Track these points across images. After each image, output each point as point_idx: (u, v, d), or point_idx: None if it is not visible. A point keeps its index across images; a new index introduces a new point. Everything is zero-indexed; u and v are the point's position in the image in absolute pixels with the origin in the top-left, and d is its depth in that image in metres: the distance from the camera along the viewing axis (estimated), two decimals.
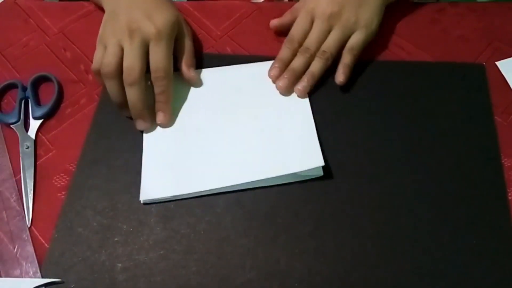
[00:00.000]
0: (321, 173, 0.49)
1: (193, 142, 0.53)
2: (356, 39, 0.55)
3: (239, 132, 0.53)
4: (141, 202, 0.49)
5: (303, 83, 0.54)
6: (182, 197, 0.50)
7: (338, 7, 0.55)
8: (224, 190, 0.50)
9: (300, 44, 0.56)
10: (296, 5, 0.60)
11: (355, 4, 0.55)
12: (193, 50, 0.58)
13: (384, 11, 0.58)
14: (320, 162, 0.49)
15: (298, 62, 0.55)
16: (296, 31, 0.56)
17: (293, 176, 0.49)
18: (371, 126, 0.53)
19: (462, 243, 0.45)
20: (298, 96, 0.55)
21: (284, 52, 0.56)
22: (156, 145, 0.53)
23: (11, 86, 0.60)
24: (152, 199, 0.49)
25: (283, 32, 0.59)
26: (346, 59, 0.55)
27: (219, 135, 0.53)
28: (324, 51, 0.54)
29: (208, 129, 0.54)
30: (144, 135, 0.54)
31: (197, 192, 0.50)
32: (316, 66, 0.54)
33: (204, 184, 0.50)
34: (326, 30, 0.55)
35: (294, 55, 0.56)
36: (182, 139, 0.53)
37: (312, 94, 0.55)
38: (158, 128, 0.54)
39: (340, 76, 0.54)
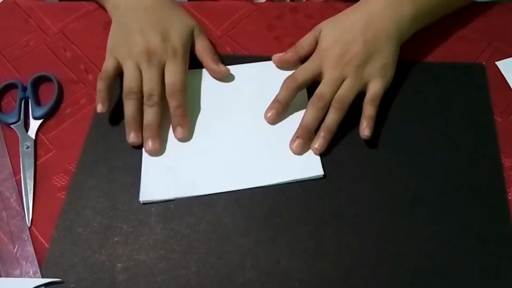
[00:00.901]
0: (321, 175, 0.50)
1: (193, 144, 0.53)
2: (374, 90, 0.52)
3: (239, 136, 0.53)
4: (141, 202, 0.49)
5: (320, 141, 0.50)
6: (181, 198, 0.50)
7: (348, 55, 0.52)
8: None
9: (301, 88, 0.53)
10: (299, 44, 0.57)
11: (367, 54, 0.52)
12: (212, 47, 0.58)
13: (398, 55, 0.55)
14: (319, 171, 0.49)
15: (312, 116, 0.51)
16: (303, 73, 0.53)
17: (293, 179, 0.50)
18: None
19: (462, 243, 0.45)
20: (315, 154, 0.51)
21: (285, 93, 0.52)
22: None
23: (11, 86, 0.60)
24: (152, 200, 0.49)
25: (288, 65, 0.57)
26: (369, 111, 0.51)
27: (219, 138, 0.53)
28: (341, 100, 0.51)
29: (207, 132, 0.54)
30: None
31: (196, 195, 0.50)
32: (333, 118, 0.51)
33: (205, 188, 0.50)
34: (339, 78, 0.51)
35: (294, 96, 0.53)
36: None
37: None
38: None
39: (365, 130, 0.50)
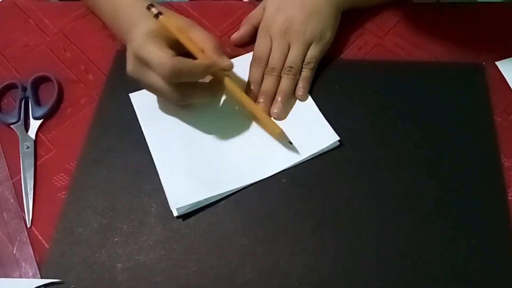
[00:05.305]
0: (337, 141, 0.51)
1: (203, 145, 0.53)
2: (311, 53, 0.56)
3: (245, 128, 0.53)
4: (174, 215, 0.48)
5: (278, 104, 0.54)
6: (210, 201, 0.49)
7: (289, 22, 0.56)
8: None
9: (267, 62, 0.56)
10: (250, 15, 0.61)
11: (306, 17, 0.56)
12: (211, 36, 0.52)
13: (339, 19, 0.59)
14: (335, 137, 0.51)
15: (268, 83, 0.55)
16: (259, 51, 0.57)
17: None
18: (370, 126, 0.53)
19: (462, 243, 0.45)
20: (275, 118, 0.54)
21: (254, 73, 0.56)
22: (166, 153, 0.52)
23: (11, 86, 0.60)
24: (183, 206, 0.48)
25: (245, 43, 0.61)
26: (304, 73, 0.56)
27: (228, 133, 0.53)
28: (290, 67, 0.55)
29: (213, 130, 0.53)
30: (150, 146, 0.53)
31: (225, 192, 0.49)
32: (286, 83, 0.55)
33: (232, 184, 0.49)
34: (285, 46, 0.56)
35: (263, 73, 0.56)
36: (191, 142, 0.53)
37: (311, 94, 0.55)
38: (163, 136, 0.53)
39: (299, 90, 0.55)
